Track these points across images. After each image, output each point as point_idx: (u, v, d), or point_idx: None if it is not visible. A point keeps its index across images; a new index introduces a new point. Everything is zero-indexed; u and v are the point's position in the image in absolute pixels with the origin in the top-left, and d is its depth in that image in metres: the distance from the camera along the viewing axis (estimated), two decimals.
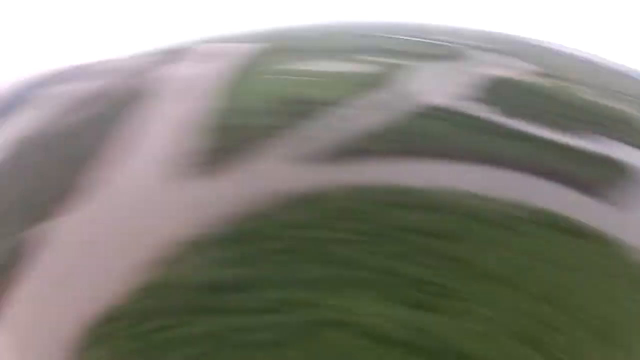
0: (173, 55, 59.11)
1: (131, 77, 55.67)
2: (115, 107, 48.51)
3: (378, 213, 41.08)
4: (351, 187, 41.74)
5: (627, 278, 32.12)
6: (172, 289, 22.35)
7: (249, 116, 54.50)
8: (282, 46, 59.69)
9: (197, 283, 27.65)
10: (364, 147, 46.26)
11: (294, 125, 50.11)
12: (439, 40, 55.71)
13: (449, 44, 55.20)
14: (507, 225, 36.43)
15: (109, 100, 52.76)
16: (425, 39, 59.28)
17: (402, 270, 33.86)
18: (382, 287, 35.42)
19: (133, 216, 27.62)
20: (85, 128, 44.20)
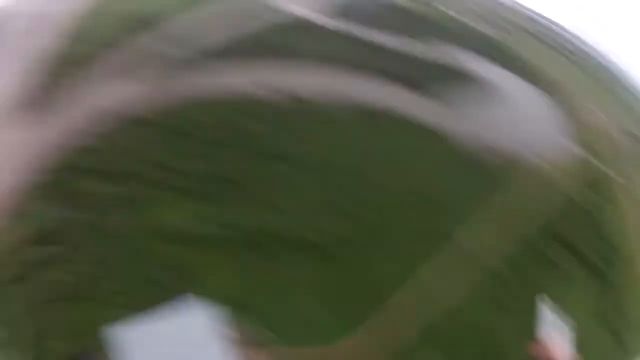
0: None
1: None
2: None
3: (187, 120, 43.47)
4: (185, 102, 48.01)
5: (450, 162, 34.94)
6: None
7: (82, 43, 64.60)
8: None
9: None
10: (198, 59, 55.70)
11: (132, 42, 58.27)
12: None
13: None
14: (320, 119, 40.27)
15: None
16: None
17: (194, 169, 36.07)
18: (182, 190, 36.26)
19: None
20: None
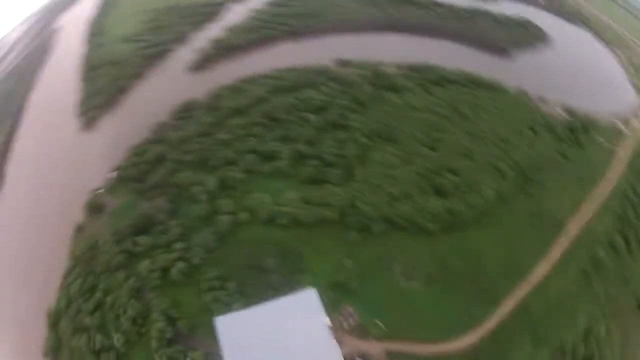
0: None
1: (38, 32, 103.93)
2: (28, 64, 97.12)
3: (259, 104, 73.31)
4: (231, 86, 78.17)
5: (523, 120, 68.27)
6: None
7: (127, 44, 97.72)
8: None
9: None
10: (236, 42, 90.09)
11: (179, 37, 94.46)
12: None
13: None
14: (392, 86, 73.98)
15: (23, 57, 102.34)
16: None
17: (293, 151, 67.34)
18: (280, 175, 65.41)
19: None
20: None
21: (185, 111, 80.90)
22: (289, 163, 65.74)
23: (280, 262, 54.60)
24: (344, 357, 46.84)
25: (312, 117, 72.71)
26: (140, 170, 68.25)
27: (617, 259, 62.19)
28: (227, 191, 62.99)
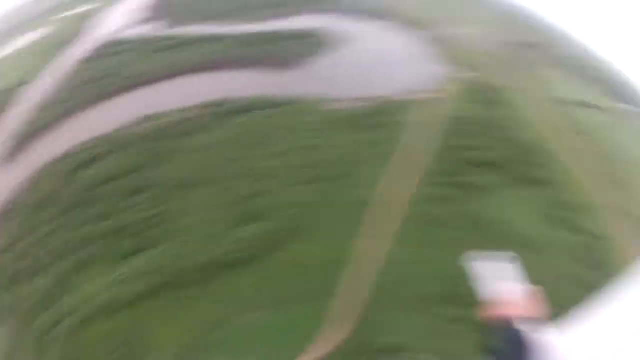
0: None
1: None
2: None
3: (65, 186, 67.16)
4: (39, 170, 67.90)
5: (319, 124, 65.23)
6: None
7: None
8: None
9: None
10: (45, 122, 74.39)
11: None
12: None
13: None
14: (184, 130, 68.61)
15: None
16: None
17: (105, 229, 59.95)
18: (95, 260, 59.41)
19: None
20: None
21: None
22: (101, 245, 60.98)
23: (128, 350, 50.52)
24: None
25: (108, 189, 68.31)
26: None
27: (456, 208, 60.17)
28: (44, 304, 55.77)
